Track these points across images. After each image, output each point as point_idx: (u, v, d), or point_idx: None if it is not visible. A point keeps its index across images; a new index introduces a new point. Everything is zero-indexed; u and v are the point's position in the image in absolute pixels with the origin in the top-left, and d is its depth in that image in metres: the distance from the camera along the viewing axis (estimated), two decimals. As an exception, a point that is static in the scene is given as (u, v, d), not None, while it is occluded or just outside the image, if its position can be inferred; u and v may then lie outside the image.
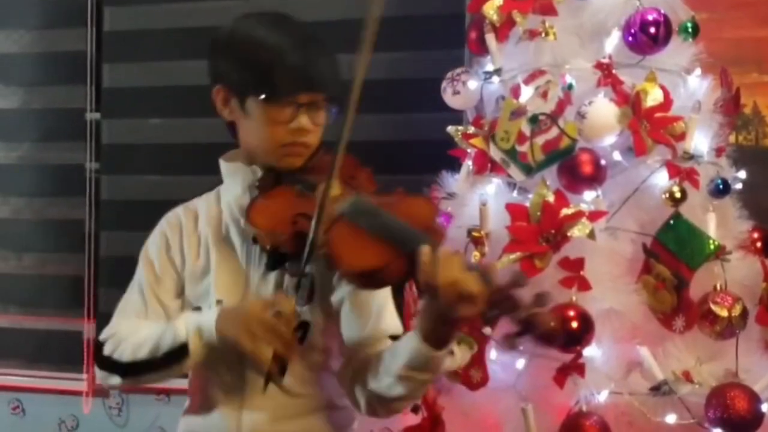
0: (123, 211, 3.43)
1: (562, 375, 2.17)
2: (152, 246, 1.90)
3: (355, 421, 1.89)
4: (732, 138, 2.69)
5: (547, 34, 2.34)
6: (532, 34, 2.35)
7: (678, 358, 2.23)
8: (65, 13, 3.50)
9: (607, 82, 2.30)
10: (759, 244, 2.40)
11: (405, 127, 3.17)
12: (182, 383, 1.92)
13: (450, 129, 2.44)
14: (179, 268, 1.87)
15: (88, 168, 3.49)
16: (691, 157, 2.30)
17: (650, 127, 2.26)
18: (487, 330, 2.21)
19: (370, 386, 1.69)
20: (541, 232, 2.19)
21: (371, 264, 1.60)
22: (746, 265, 2.33)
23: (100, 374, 1.86)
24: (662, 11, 2.35)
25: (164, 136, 3.38)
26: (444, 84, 2.56)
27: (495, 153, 2.34)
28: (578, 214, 2.19)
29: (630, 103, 2.27)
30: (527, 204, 2.25)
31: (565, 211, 2.20)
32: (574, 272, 2.18)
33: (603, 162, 2.29)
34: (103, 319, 3.32)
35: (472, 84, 2.50)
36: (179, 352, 1.74)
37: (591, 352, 2.20)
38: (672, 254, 2.22)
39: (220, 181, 1.91)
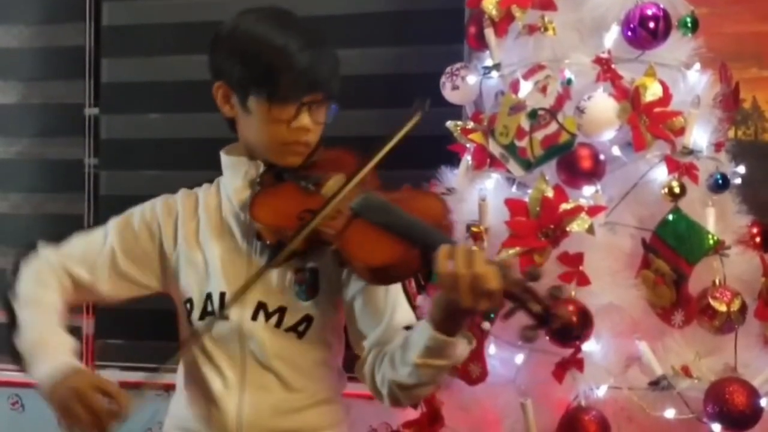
0: (122, 207, 3.37)
1: (561, 370, 2.18)
2: (137, 216, 1.91)
3: (348, 415, 1.90)
4: (731, 133, 2.69)
5: (546, 29, 2.34)
6: (531, 29, 2.35)
7: (677, 353, 2.23)
8: (64, 7, 3.48)
9: (606, 77, 2.29)
10: (758, 239, 2.41)
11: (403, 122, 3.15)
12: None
13: (449, 124, 2.44)
14: (167, 253, 1.86)
15: (87, 163, 3.47)
16: (690, 152, 2.30)
17: (649, 122, 2.26)
18: (486, 325, 2.21)
19: (389, 377, 1.69)
20: (540, 227, 2.19)
21: (384, 260, 1.61)
22: (745, 260, 2.33)
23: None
24: (661, 6, 2.34)
25: (163, 132, 3.37)
26: (443, 79, 2.55)
27: (494, 148, 2.34)
28: (577, 209, 2.19)
29: (629, 98, 2.27)
30: (526, 199, 2.25)
31: (564, 206, 2.20)
32: (573, 267, 2.18)
33: (602, 157, 2.29)
34: (101, 314, 3.34)
35: (471, 79, 2.50)
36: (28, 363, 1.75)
37: (590, 346, 2.20)
38: (671, 249, 2.23)
39: (220, 176, 1.90)
